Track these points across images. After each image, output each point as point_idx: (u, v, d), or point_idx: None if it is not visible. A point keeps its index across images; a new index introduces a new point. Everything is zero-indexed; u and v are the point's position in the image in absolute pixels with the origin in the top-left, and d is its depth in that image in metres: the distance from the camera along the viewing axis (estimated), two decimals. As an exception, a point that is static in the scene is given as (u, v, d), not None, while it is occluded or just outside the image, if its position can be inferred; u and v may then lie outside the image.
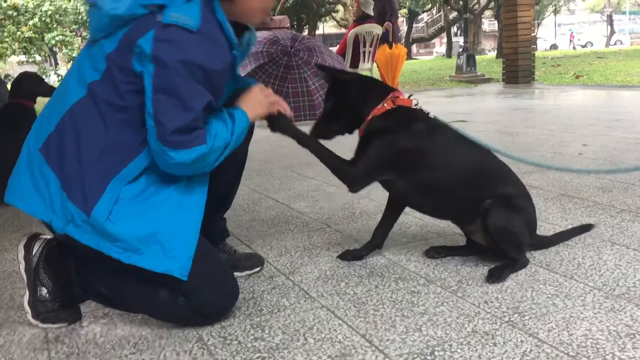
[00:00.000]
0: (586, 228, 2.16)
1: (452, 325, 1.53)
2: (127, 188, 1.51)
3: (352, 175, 1.89)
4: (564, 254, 2.00)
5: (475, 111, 6.66)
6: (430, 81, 12.70)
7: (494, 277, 1.80)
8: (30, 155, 1.56)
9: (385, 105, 1.86)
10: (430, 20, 39.78)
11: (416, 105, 1.91)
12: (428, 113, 1.92)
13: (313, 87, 5.63)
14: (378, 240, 2.07)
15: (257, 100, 1.73)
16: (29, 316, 1.64)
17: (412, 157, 1.86)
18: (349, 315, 1.63)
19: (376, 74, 8.76)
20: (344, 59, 7.58)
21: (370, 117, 1.87)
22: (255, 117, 1.72)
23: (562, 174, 3.19)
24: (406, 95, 1.94)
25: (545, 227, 2.29)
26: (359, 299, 1.73)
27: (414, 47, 37.54)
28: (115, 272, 1.58)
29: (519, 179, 1.99)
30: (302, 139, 1.87)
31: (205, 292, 1.58)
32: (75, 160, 1.50)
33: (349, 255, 2.06)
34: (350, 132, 1.97)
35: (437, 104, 7.90)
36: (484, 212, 1.86)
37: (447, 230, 2.33)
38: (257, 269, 2.01)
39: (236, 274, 1.94)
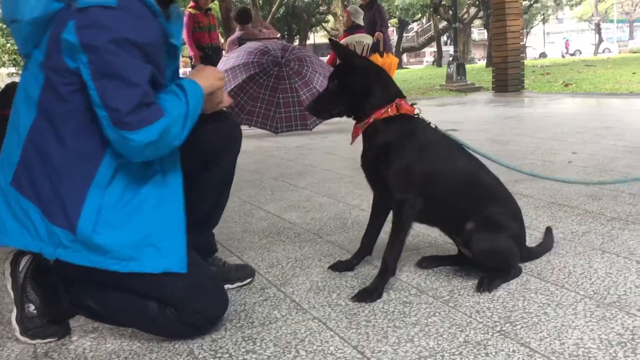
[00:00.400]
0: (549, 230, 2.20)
1: (444, 336, 1.53)
2: (106, 195, 1.49)
3: (404, 208, 1.83)
4: (555, 262, 2.01)
5: (466, 120, 6.69)
6: (421, 90, 12.76)
7: (484, 286, 1.80)
8: (4, 192, 1.53)
9: (389, 110, 1.84)
10: (420, 29, 40.05)
11: (417, 114, 1.90)
12: (429, 123, 1.92)
13: (304, 97, 5.65)
14: (367, 247, 2.06)
15: (205, 72, 1.68)
16: (17, 333, 1.62)
17: (415, 167, 1.85)
18: (340, 326, 1.62)
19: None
20: (335, 69, 7.58)
21: (372, 119, 1.84)
22: (208, 86, 1.65)
23: (552, 183, 3.20)
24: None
25: (535, 236, 2.30)
26: (351, 310, 1.73)
27: (404, 57, 37.72)
28: (104, 287, 1.57)
29: (508, 193, 1.99)
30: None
31: (194, 303, 1.56)
32: (48, 184, 1.48)
33: (340, 266, 2.06)
34: (349, 116, 1.94)
35: (428, 113, 7.88)
36: (467, 237, 1.86)
37: (439, 240, 2.33)
38: (248, 280, 2.00)
39: (227, 286, 1.93)
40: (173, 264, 1.53)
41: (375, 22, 8.50)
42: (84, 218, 1.47)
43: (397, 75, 9.06)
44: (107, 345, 1.60)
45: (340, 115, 1.94)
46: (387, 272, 1.83)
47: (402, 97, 1.88)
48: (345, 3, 27.18)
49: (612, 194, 2.89)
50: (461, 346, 1.46)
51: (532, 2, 31.44)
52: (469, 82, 11.96)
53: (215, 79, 1.68)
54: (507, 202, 1.97)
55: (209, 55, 7.91)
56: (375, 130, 1.85)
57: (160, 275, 1.53)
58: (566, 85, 10.92)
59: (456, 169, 1.91)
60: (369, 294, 1.79)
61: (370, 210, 2.08)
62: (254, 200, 3.27)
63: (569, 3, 34.00)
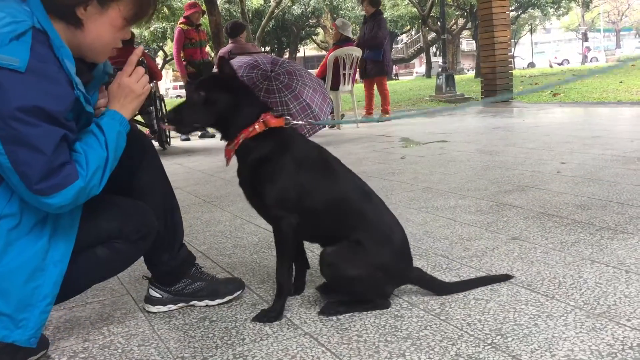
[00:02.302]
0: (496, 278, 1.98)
1: (435, 350, 1.53)
2: None
3: (281, 225, 1.79)
4: (545, 273, 2.02)
5: (455, 131, 6.72)
6: (411, 101, 12.83)
7: (324, 310, 1.81)
8: None
9: (256, 127, 1.78)
10: (409, 41, 40.34)
11: (288, 124, 1.85)
12: (303, 133, 1.87)
13: (294, 110, 5.65)
14: (301, 262, 2.01)
15: (125, 92, 1.60)
16: None
17: (288, 182, 1.79)
18: (332, 342, 1.62)
19: (358, 96, 8.84)
20: (325, 82, 7.63)
21: (241, 138, 1.79)
22: (132, 111, 1.61)
23: (541, 193, 3.22)
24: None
25: (525, 247, 2.31)
26: (342, 324, 1.73)
27: (394, 68, 37.91)
28: None
29: (385, 215, 1.88)
30: None
31: (131, 222, 1.67)
32: None
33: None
34: (221, 134, 1.87)
35: (417, 125, 7.97)
36: (320, 260, 1.81)
37: (429, 251, 2.34)
38: (238, 292, 1.99)
39: (217, 300, 1.93)
40: (23, 338, 1.47)
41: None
42: None
43: (388, 87, 9.11)
44: (97, 365, 1.59)
45: (202, 130, 1.90)
46: (282, 290, 1.81)
47: (268, 110, 1.83)
48: (335, 16, 27.36)
49: (600, 203, 2.91)
50: (452, 360, 1.46)
51: (519, 13, 31.76)
52: (458, 93, 12.05)
53: (136, 97, 1.62)
54: (382, 224, 1.85)
55: (201, 72, 7.94)
56: (247, 149, 1.80)
57: (96, 222, 1.60)
58: (554, 95, 11.01)
59: (333, 183, 1.84)
60: (267, 314, 1.78)
61: None
62: (244, 214, 3.27)
63: (555, 13, 34.35)
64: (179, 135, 8.40)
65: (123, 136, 1.57)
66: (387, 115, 8.72)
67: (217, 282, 2.00)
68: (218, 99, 1.79)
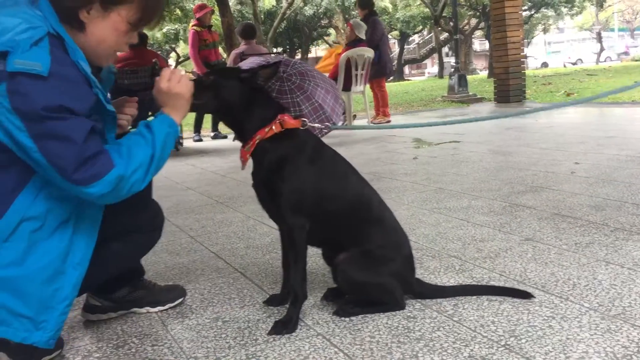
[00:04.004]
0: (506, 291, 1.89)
1: (448, 351, 1.52)
2: (3, 250, 1.44)
3: (297, 232, 1.76)
4: (559, 274, 2.00)
5: (467, 131, 6.69)
6: (423, 102, 12.78)
7: (341, 311, 1.81)
8: None
9: (273, 127, 1.75)
10: (421, 41, 40.22)
11: (304, 126, 1.81)
12: (318, 134, 1.86)
13: (306, 111, 5.65)
14: (288, 287, 1.89)
15: (179, 100, 1.63)
16: (5, 359, 1.56)
17: (306, 185, 1.76)
18: (344, 342, 1.62)
19: (369, 97, 8.83)
20: (337, 82, 7.63)
21: (257, 139, 1.76)
22: (182, 113, 1.65)
23: (555, 194, 3.20)
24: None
25: (539, 248, 2.29)
26: (355, 325, 1.72)
27: (406, 68, 37.87)
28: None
29: (396, 222, 1.89)
30: None
31: (143, 213, 1.79)
32: None
33: (274, 301, 1.94)
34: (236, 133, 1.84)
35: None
36: (335, 267, 1.81)
37: (442, 252, 2.33)
38: (179, 300, 2.01)
39: (158, 307, 1.97)
40: (43, 339, 1.50)
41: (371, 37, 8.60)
42: None
43: (399, 87, 9.05)
44: (111, 365, 1.60)
45: (202, 111, 1.85)
46: (298, 299, 1.76)
47: (284, 111, 1.80)
48: (347, 17, 27.35)
49: (615, 204, 2.88)
50: (466, 361, 1.46)
51: (532, 13, 31.54)
52: (470, 93, 11.97)
53: (182, 98, 1.64)
54: (392, 231, 1.86)
55: None
56: (263, 150, 1.76)
57: (113, 216, 1.65)
58: (568, 95, 10.93)
59: (347, 187, 1.84)
60: (284, 325, 1.72)
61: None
62: (257, 215, 3.27)
63: (569, 12, 34.07)
64: (192, 136, 8.43)
65: (171, 138, 1.60)
66: (386, 118, 8.71)
67: (159, 289, 2.01)
68: (226, 86, 1.75)
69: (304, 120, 1.82)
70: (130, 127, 1.78)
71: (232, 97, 1.75)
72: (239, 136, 1.82)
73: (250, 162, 1.82)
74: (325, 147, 1.87)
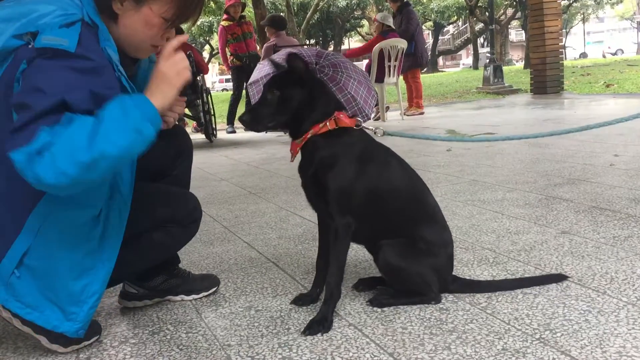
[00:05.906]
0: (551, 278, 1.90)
1: (481, 343, 1.51)
2: (36, 241, 1.47)
3: (344, 231, 1.74)
4: (597, 268, 1.96)
5: (503, 123, 6.59)
6: (457, 93, 12.64)
7: (375, 303, 1.80)
8: None
9: (327, 124, 1.73)
10: (456, 32, 39.72)
11: (359, 126, 1.79)
12: (374, 135, 1.83)
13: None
14: (325, 270, 1.84)
15: (159, 78, 1.50)
16: (45, 342, 1.61)
17: (356, 184, 1.74)
18: (376, 333, 1.62)
19: (402, 88, 8.77)
20: (369, 74, 7.59)
21: (310, 134, 1.74)
22: (162, 99, 1.48)
23: (593, 187, 3.13)
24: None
25: (576, 241, 2.25)
26: (387, 316, 1.72)
27: (440, 60, 37.45)
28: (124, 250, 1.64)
29: (444, 220, 1.89)
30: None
31: (183, 206, 1.82)
32: None
33: (305, 300, 1.89)
34: (286, 130, 1.81)
35: (464, 117, 7.86)
36: (378, 250, 1.80)
37: (476, 245, 2.31)
38: (213, 289, 2.03)
39: (192, 295, 1.99)
40: (72, 330, 1.55)
41: (401, 25, 8.53)
42: (9, 258, 1.48)
43: (433, 79, 8.98)
44: (147, 351, 1.63)
45: (276, 129, 1.84)
46: (332, 297, 1.72)
47: (342, 109, 1.77)
48: (380, 7, 27.17)
49: (656, 197, 2.81)
50: (499, 354, 1.44)
51: (571, 2, 30.80)
52: (506, 85, 11.80)
53: (169, 84, 1.50)
54: (442, 229, 1.85)
55: (247, 64, 8.01)
56: (314, 146, 1.74)
57: (151, 208, 1.74)
58: (607, 86, 10.66)
59: (400, 188, 1.82)
60: (320, 323, 1.67)
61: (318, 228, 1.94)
62: (289, 206, 3.29)
63: (609, 1, 33.20)
64: (225, 128, 8.51)
65: (133, 115, 1.38)
66: (420, 110, 8.64)
67: (193, 278, 2.03)
68: (292, 96, 1.72)
69: (359, 120, 1.80)
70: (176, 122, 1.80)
71: (299, 104, 1.73)
72: (293, 131, 1.79)
73: (298, 156, 1.81)
74: (378, 147, 1.83)
